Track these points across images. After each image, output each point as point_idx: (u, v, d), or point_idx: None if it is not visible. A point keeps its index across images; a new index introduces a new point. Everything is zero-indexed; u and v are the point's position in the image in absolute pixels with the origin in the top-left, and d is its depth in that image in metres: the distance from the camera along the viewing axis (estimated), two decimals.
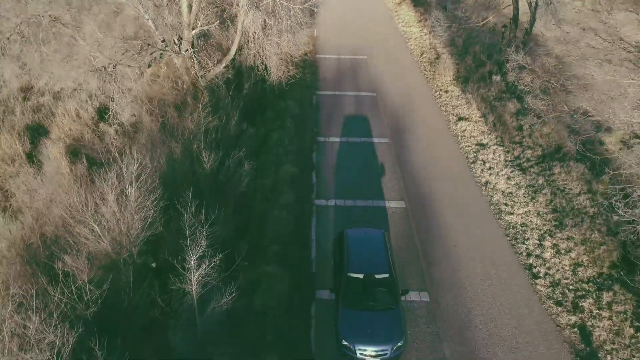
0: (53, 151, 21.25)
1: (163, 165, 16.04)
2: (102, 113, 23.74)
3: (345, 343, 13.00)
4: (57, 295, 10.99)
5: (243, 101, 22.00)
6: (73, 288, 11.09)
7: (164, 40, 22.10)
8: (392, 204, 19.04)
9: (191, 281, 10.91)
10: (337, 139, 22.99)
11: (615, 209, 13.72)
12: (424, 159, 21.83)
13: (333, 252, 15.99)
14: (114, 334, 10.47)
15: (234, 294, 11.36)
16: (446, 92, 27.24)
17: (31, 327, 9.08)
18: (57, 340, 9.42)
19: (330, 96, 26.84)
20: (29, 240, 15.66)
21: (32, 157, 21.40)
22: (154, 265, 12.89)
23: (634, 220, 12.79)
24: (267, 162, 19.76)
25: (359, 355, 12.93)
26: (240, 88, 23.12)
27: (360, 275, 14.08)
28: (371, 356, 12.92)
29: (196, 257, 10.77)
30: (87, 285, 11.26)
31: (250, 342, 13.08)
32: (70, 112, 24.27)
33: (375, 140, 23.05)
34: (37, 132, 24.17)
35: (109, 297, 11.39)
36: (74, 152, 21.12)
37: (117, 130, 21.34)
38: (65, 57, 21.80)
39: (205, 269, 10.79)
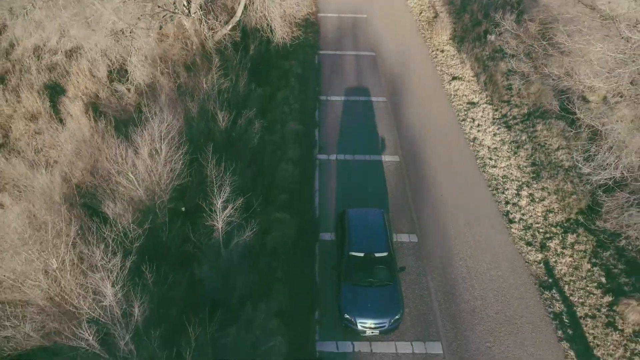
0: (74, 109, 23.51)
1: (182, 123, 18.40)
2: (116, 73, 25.80)
3: (347, 316, 14.55)
4: (106, 232, 13.69)
5: (250, 62, 24.07)
6: (120, 227, 13.79)
7: (174, 3, 23.91)
8: (387, 158, 21.59)
9: (218, 220, 13.62)
10: (338, 98, 25.26)
11: (576, 162, 16.30)
12: (418, 116, 24.19)
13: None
14: (158, 264, 13.25)
15: (254, 229, 14.12)
16: (442, 51, 29.21)
17: (97, 253, 11.80)
18: (116, 266, 12.17)
19: (332, 56, 28.83)
20: (61, 190, 18.31)
21: (56, 114, 23.66)
22: (183, 209, 15.59)
23: (590, 172, 15.34)
24: (273, 120, 22.12)
25: (359, 327, 14.44)
26: (247, 49, 25.11)
27: (361, 254, 15.57)
28: (371, 328, 14.44)
29: (222, 200, 13.44)
30: (131, 225, 13.95)
31: (263, 276, 15.98)
32: (84, 71, 26.35)
33: (373, 99, 25.33)
34: (55, 91, 26.33)
35: (149, 235, 14.12)
36: (93, 110, 23.40)
37: (130, 89, 23.51)
38: (83, 19, 23.66)
39: (231, 209, 13.47)
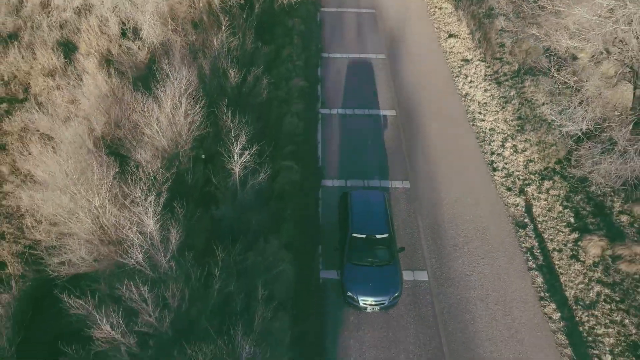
0: (89, 65, 25.78)
1: (196, 80, 20.85)
2: (131, 31, 27.85)
3: (350, 294, 15.98)
4: (139, 175, 16.46)
5: (255, 20, 26.18)
6: (150, 171, 16.56)
7: None
8: (385, 112, 24.17)
9: (235, 165, 16.40)
10: (339, 55, 27.54)
11: (550, 115, 18.92)
12: (415, 73, 26.58)
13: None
14: (186, 202, 16.10)
15: (268, 172, 16.93)
16: (440, 9, 31.20)
17: (137, 191, 14.61)
18: (151, 202, 15.00)
19: (333, 13, 30.84)
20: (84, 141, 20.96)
21: (74, 70, 25.90)
22: (203, 156, 18.35)
23: (561, 124, 17.98)
24: (279, 76, 24.52)
25: (361, 304, 15.87)
26: (252, 7, 27.16)
27: (363, 235, 16.90)
28: (372, 305, 15.84)
29: (239, 148, 16.16)
30: (160, 170, 16.72)
31: (274, 215, 18.90)
32: (94, 27, 28.41)
33: (373, 56, 27.62)
34: (67, 48, 28.46)
35: (175, 178, 16.91)
36: (108, 65, 25.66)
37: (141, 46, 25.70)
38: None
39: (247, 155, 16.23)
